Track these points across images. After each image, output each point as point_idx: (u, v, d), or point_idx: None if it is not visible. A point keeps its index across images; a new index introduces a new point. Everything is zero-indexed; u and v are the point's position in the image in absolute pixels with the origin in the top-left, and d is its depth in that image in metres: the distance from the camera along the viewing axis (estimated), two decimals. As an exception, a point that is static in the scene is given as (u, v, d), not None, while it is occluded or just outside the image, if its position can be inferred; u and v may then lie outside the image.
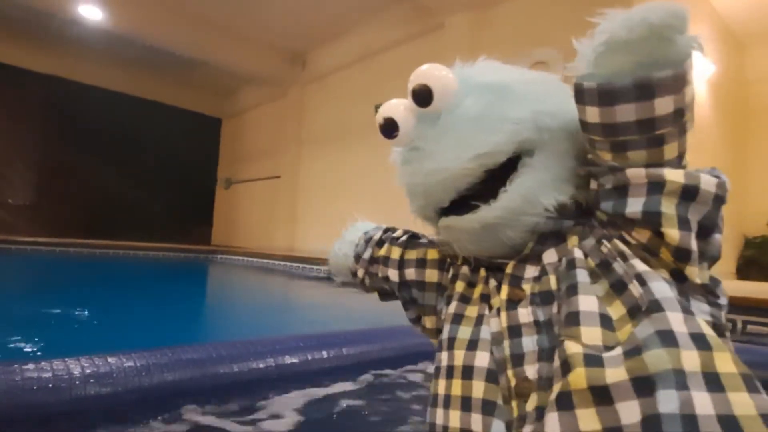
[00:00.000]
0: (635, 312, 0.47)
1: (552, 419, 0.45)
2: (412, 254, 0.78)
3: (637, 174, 0.51)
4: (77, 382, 1.20)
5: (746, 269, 5.20)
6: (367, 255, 0.85)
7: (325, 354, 1.69)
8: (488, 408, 0.53)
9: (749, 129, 5.67)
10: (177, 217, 11.10)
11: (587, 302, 0.49)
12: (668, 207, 0.49)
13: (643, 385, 0.42)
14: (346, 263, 0.91)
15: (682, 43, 0.47)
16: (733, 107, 5.46)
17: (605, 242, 0.54)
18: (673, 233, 0.49)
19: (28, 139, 9.28)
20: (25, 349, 2.02)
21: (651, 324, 0.45)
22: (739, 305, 2.71)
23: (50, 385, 1.17)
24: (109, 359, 1.29)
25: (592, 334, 0.47)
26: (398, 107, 0.65)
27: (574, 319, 0.49)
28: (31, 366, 1.19)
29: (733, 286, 3.69)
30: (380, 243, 0.85)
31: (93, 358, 1.28)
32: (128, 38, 7.79)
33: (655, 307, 0.46)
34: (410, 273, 0.77)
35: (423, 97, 0.61)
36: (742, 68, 5.74)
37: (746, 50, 5.77)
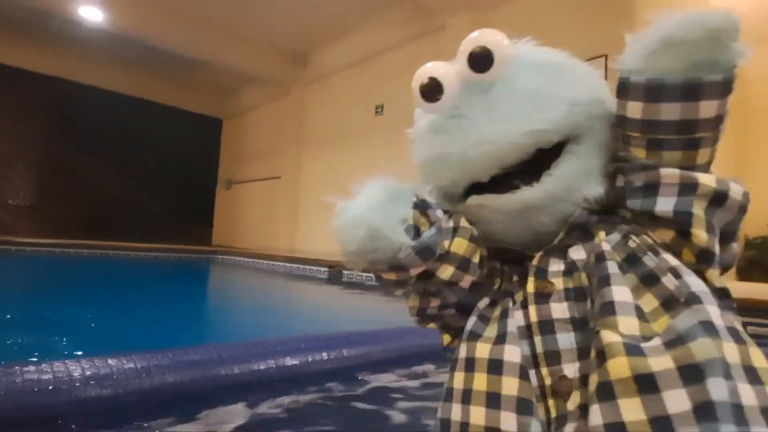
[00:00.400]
0: (671, 304, 0.47)
1: (594, 411, 0.44)
2: None
3: (670, 174, 0.51)
4: (78, 384, 1.20)
5: (747, 270, 5.19)
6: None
7: (326, 355, 1.69)
8: (524, 407, 0.49)
9: (749, 129, 5.67)
10: (177, 217, 11.09)
11: (621, 292, 0.48)
12: (698, 209, 0.50)
13: (692, 373, 0.41)
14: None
15: (735, 51, 0.48)
16: (733, 107, 5.45)
17: (633, 237, 0.53)
18: (701, 234, 0.49)
19: (28, 139, 9.26)
20: (26, 351, 2.01)
21: (692, 315, 0.45)
22: (739, 306, 2.70)
23: (51, 387, 1.17)
24: (110, 361, 1.29)
25: (629, 324, 0.46)
26: (443, 68, 0.59)
27: (609, 308, 0.47)
28: (31, 368, 1.19)
29: (734, 287, 3.68)
30: None
31: (93, 360, 1.28)
32: (128, 38, 7.78)
33: (695, 299, 0.46)
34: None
35: (482, 60, 0.56)
36: (742, 68, 5.73)
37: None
